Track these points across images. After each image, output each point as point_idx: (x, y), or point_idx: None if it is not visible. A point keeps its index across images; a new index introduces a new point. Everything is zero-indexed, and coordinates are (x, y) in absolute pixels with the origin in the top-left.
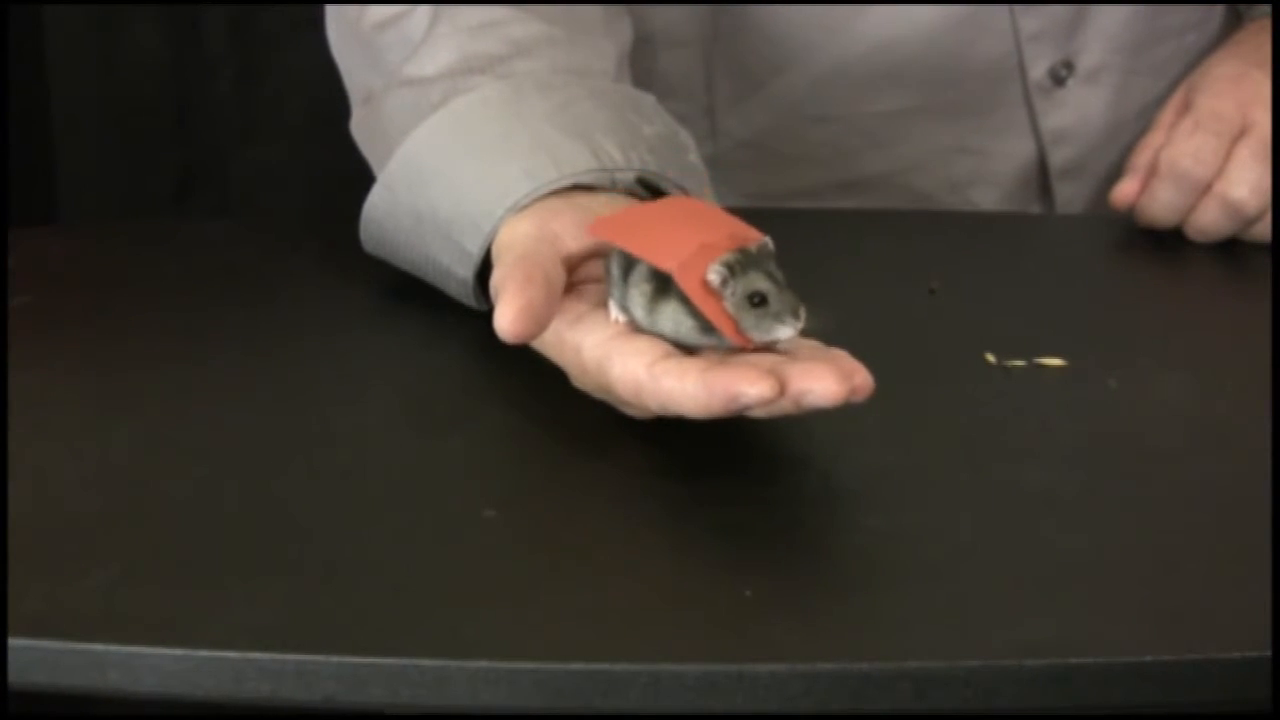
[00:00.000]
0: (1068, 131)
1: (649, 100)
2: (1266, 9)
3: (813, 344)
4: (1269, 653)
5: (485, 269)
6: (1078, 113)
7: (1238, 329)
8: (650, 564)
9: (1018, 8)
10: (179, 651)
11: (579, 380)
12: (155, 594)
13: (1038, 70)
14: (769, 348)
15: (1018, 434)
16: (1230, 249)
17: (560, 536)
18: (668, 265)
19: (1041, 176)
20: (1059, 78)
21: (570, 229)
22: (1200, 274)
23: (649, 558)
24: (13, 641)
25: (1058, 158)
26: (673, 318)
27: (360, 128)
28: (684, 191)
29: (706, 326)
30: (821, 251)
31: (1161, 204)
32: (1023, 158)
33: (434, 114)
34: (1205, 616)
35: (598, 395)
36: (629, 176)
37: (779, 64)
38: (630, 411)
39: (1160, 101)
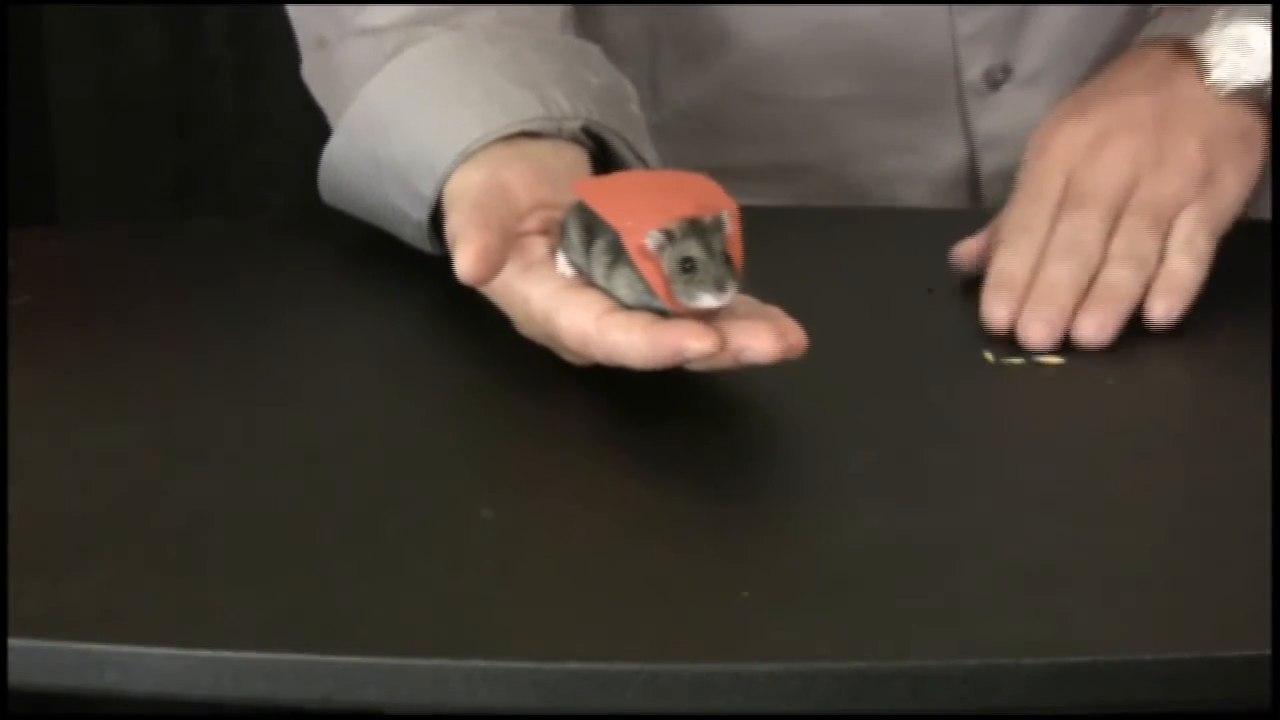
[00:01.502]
0: (1000, 136)
1: (595, 51)
2: (1156, 34)
3: (749, 300)
4: (1269, 652)
5: (438, 215)
6: (1012, 117)
7: (1238, 329)
8: (647, 563)
9: (956, 7)
10: (177, 651)
11: (524, 327)
12: (154, 594)
13: (972, 72)
14: (700, 315)
15: (1016, 433)
16: (1229, 249)
17: (557, 536)
18: (619, 225)
19: (972, 178)
20: (994, 81)
21: (520, 179)
22: None
23: (646, 557)
24: (12, 642)
25: (988, 161)
26: (628, 282)
27: (314, 74)
28: (625, 142)
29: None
30: (820, 250)
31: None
32: (954, 158)
33: (389, 63)
34: (1205, 616)
35: (541, 342)
36: (575, 125)
37: (719, 38)
38: (570, 359)
39: None
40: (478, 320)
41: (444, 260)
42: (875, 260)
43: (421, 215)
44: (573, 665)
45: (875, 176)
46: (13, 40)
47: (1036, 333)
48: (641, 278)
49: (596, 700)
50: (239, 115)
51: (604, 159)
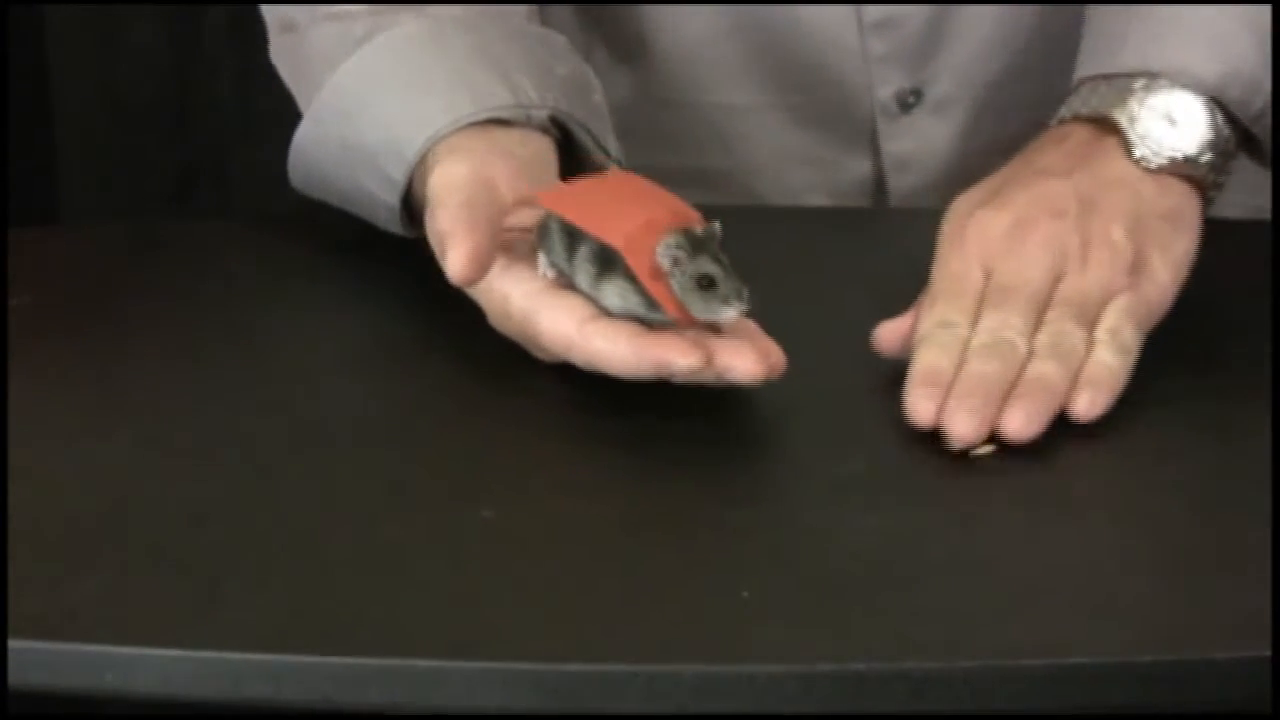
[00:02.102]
0: (909, 158)
1: (560, 41)
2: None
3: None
4: (1269, 653)
5: (408, 198)
6: (921, 141)
7: (1238, 329)
8: (648, 564)
9: (868, 28)
10: (177, 653)
11: (498, 323)
12: (153, 595)
13: (884, 93)
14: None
15: None
16: (1230, 247)
17: (557, 536)
18: (615, 241)
19: (879, 198)
20: (906, 104)
21: (504, 176)
22: (1200, 273)
23: (646, 558)
24: (12, 642)
25: (897, 182)
26: (619, 294)
27: (281, 56)
28: (588, 132)
29: (652, 303)
30: (819, 250)
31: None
32: (862, 176)
33: (359, 49)
34: (1205, 616)
35: (514, 338)
36: (543, 114)
37: (638, 40)
38: (541, 356)
39: (1010, 141)
40: (479, 320)
41: (433, 254)
42: (874, 259)
43: (393, 199)
44: (573, 666)
45: (781, 187)
46: (13, 40)
47: (963, 425)
48: (637, 290)
49: (596, 701)
50: (239, 115)
51: (568, 148)
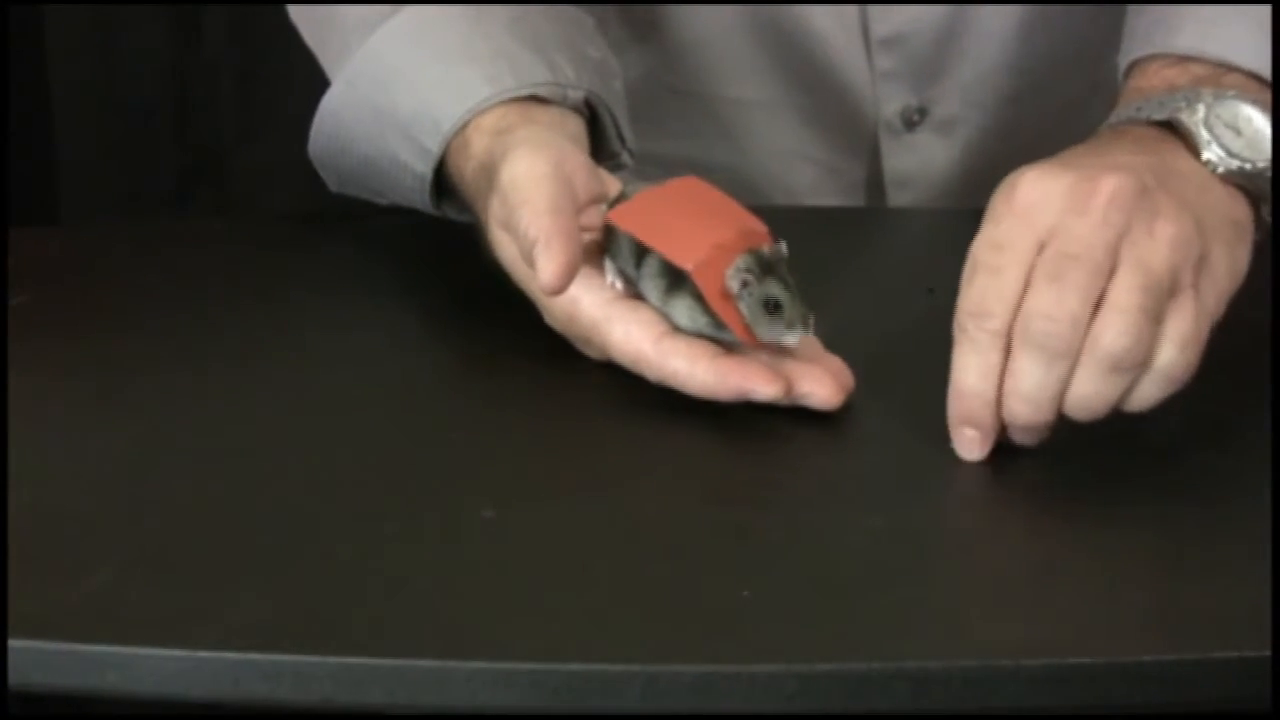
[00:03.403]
0: (910, 176)
1: (590, 22)
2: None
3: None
4: (1269, 653)
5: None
6: (923, 160)
7: (1237, 328)
8: (648, 564)
9: (876, 44)
10: (177, 652)
11: (562, 325)
12: (154, 594)
13: (889, 109)
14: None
15: None
16: None
17: (558, 536)
18: (685, 265)
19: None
20: (910, 122)
21: (581, 174)
22: None
23: (647, 558)
24: (12, 642)
25: (896, 198)
26: (688, 313)
27: (304, 16)
28: (614, 119)
29: (720, 323)
30: (820, 250)
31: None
32: (862, 186)
33: (398, 15)
34: (1205, 616)
35: (564, 334)
36: (579, 95)
37: (653, 26)
38: (590, 353)
39: (1012, 164)
40: (477, 320)
41: (444, 258)
42: (875, 259)
43: (425, 169)
44: (574, 666)
45: (783, 186)
46: (13, 40)
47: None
48: (706, 311)
49: (596, 700)
50: (239, 115)
51: (591, 131)
